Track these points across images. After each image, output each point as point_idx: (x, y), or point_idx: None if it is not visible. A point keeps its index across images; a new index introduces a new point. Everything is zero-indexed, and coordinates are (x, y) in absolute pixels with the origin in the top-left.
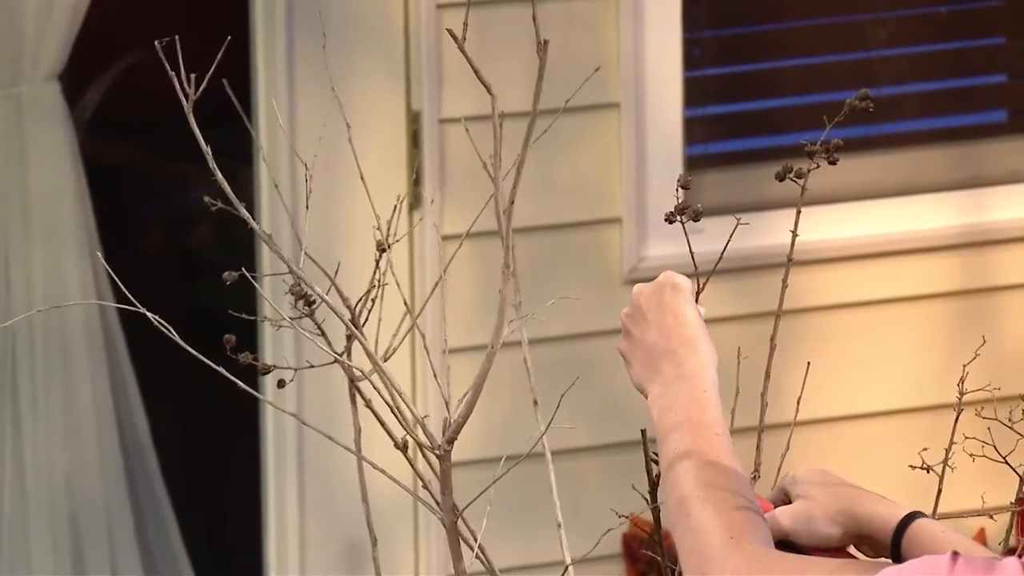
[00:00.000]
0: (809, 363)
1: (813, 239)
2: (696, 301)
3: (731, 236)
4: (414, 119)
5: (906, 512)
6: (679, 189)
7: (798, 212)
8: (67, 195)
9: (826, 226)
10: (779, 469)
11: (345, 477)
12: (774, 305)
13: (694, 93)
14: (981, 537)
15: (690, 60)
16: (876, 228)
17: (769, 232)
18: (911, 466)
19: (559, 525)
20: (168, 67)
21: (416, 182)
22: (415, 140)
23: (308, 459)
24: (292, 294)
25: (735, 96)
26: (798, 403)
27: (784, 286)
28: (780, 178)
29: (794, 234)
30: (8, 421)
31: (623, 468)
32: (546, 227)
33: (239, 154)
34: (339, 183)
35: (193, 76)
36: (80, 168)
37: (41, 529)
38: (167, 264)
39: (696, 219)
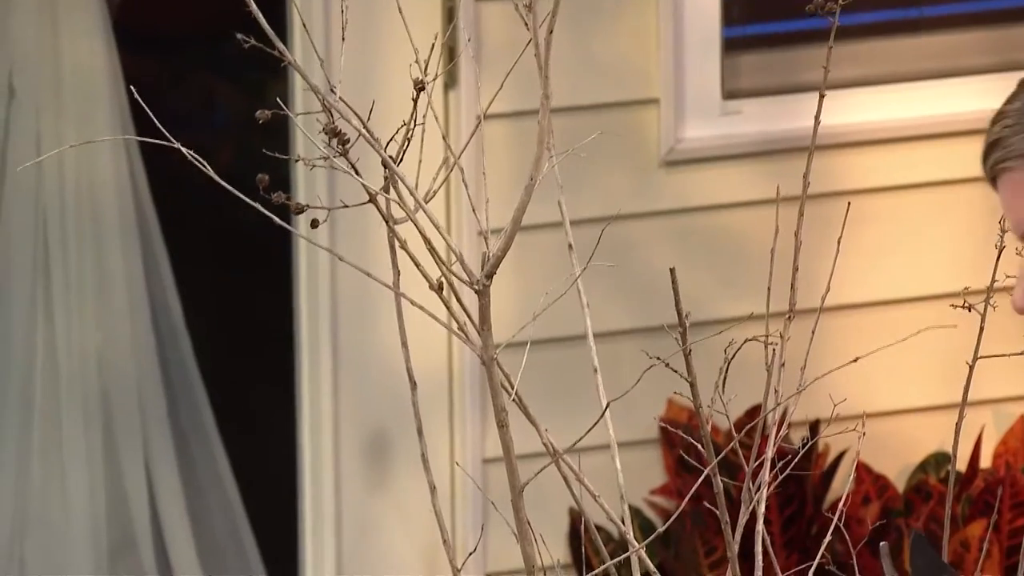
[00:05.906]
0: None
1: (853, 121)
2: None
3: None
4: None
5: None
6: None
7: (829, 48)
8: (100, 71)
9: (866, 109)
10: (808, 352)
11: (379, 346)
12: (812, 188)
13: None
14: (1022, 424)
15: None
16: (917, 111)
17: (808, 115)
18: (952, 305)
19: (595, 370)
20: None
21: (450, 59)
22: (450, 18)
23: (342, 330)
24: (325, 132)
25: None
26: (827, 287)
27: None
28: (812, 12)
29: (825, 78)
30: (40, 301)
31: (662, 351)
32: (582, 107)
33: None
34: (375, 30)
35: None
36: (113, 44)
37: (73, 411)
38: (200, 132)
39: None
